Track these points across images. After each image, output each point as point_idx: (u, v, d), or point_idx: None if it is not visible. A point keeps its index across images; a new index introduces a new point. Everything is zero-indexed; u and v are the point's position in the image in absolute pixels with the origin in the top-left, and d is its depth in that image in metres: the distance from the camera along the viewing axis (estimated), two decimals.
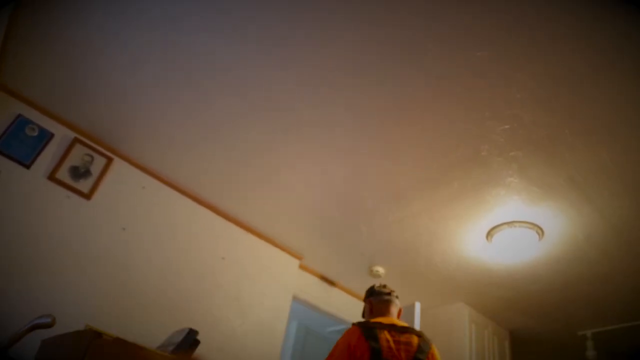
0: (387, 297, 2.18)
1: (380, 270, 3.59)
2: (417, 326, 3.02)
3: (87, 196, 2.66)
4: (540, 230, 2.82)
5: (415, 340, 1.94)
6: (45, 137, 2.61)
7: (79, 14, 2.09)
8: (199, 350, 1.94)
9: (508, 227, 2.85)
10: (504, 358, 4.02)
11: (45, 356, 1.76)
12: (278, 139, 2.51)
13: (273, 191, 2.96)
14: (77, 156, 2.69)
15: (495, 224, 2.87)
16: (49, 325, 1.69)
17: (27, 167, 2.51)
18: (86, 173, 2.70)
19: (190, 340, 1.86)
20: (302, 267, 3.68)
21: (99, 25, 2.11)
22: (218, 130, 2.55)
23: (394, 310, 2.16)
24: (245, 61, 2.10)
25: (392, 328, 1.95)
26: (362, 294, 3.94)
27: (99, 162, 2.76)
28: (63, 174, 2.61)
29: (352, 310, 3.95)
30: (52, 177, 2.57)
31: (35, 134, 2.58)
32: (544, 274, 3.26)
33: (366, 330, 1.91)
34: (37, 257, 2.35)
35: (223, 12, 1.91)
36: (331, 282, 3.91)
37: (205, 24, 1.98)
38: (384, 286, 2.26)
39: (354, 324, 2.00)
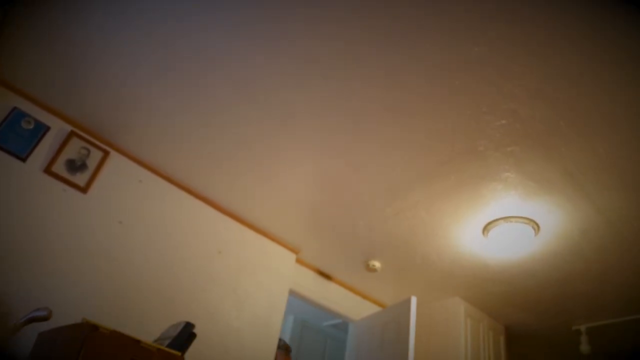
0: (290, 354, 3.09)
1: (377, 264, 3.60)
2: (412, 320, 3.03)
3: (84, 190, 2.65)
4: (536, 226, 2.83)
5: None
6: (41, 130, 2.60)
7: (79, 14, 2.08)
8: (195, 343, 1.95)
9: (504, 222, 2.86)
10: (499, 352, 4.04)
11: (42, 349, 1.76)
12: (274, 132, 2.51)
13: (269, 185, 2.95)
14: (73, 149, 2.68)
15: (492, 218, 2.88)
16: (45, 318, 1.69)
17: (23, 160, 2.49)
18: (82, 166, 2.69)
19: (186, 333, 1.87)
20: (299, 261, 3.69)
21: (99, 25, 2.11)
22: (214, 124, 2.54)
23: None
24: (243, 56, 2.10)
25: None
26: (359, 287, 4.04)
27: (95, 156, 2.75)
28: (59, 167, 2.60)
29: (349, 305, 3.97)
30: (48, 171, 2.56)
31: (31, 126, 2.56)
32: (540, 269, 3.27)
33: None
34: (33, 251, 2.34)
35: (222, 10, 1.91)
36: (328, 276, 3.92)
37: (204, 22, 1.97)
38: (285, 343, 3.17)
39: None
